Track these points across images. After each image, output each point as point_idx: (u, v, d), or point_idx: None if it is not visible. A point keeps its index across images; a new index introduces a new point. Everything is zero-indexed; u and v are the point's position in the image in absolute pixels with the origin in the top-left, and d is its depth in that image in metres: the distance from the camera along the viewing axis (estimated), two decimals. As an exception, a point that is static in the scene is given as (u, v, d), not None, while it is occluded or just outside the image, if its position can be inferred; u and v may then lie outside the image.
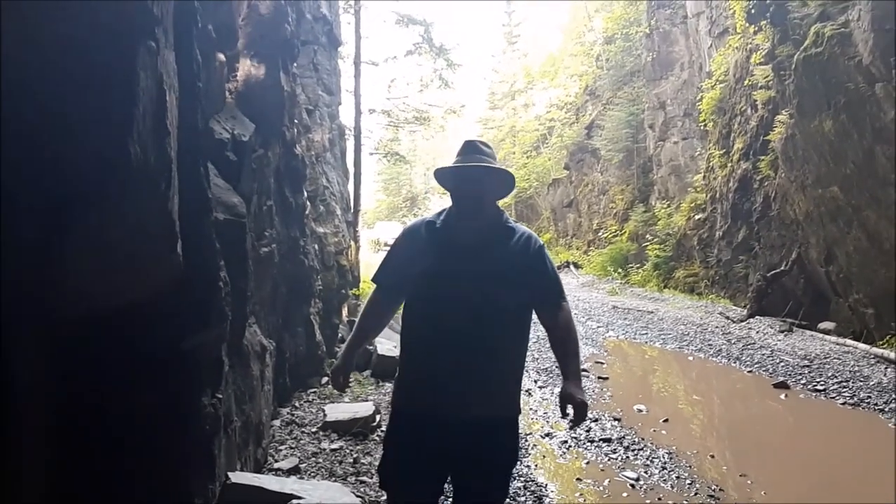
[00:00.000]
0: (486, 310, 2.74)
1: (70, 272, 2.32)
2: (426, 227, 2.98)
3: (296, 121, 7.29)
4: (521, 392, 3.10)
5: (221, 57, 4.70)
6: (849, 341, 11.15)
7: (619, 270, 23.86)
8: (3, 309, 2.09)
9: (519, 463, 5.70)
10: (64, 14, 2.13)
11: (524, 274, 2.84)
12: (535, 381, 8.86)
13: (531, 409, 7.51)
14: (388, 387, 7.47)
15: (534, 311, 2.98)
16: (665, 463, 5.88)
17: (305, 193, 7.86)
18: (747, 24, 15.92)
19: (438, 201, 43.56)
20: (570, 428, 3.06)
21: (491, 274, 2.78)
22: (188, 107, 3.11)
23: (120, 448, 2.83)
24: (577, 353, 2.95)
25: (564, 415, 2.79)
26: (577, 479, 5.56)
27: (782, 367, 9.83)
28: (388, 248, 3.17)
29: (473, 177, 2.87)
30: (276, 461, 5.30)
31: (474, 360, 2.74)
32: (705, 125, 19.67)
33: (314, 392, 7.35)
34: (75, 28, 2.17)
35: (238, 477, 3.99)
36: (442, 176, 3.08)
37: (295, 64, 7.01)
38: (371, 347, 8.39)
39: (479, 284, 2.75)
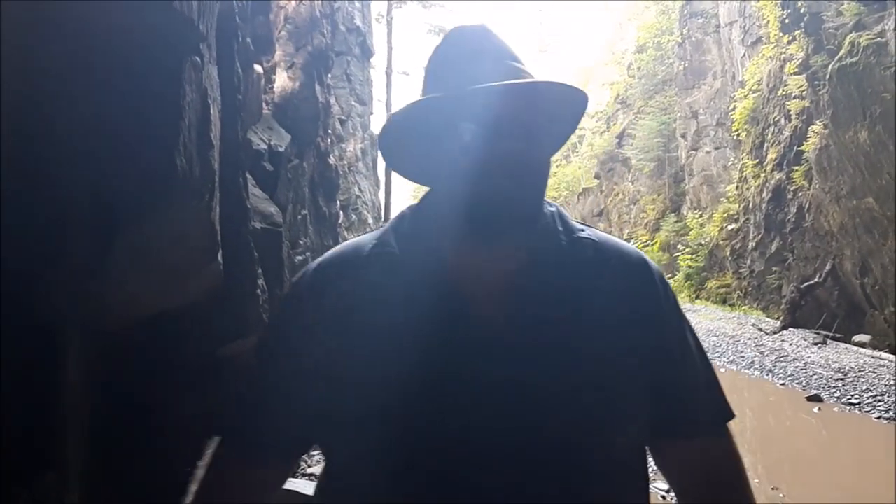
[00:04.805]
0: (566, 471, 0.91)
1: (117, 279, 2.40)
2: (375, 270, 0.98)
3: (329, 131, 7.40)
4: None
5: (259, 69, 4.81)
6: (884, 354, 10.96)
7: (650, 280, 23.60)
8: (57, 314, 2.18)
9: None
10: (113, 34, 2.21)
11: (646, 364, 0.99)
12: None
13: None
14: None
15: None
16: (696, 475, 5.86)
17: (338, 202, 7.98)
18: (781, 34, 15.78)
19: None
20: None
21: (579, 378, 0.93)
22: (228, 119, 3.19)
23: (159, 450, 2.91)
24: None
25: None
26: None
27: (816, 379, 9.70)
28: (260, 342, 1.02)
29: (518, 115, 0.99)
30: (309, 466, 5.36)
31: None
32: (738, 135, 19.51)
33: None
34: (124, 47, 2.26)
35: (273, 481, 4.05)
36: (403, 133, 1.03)
37: (329, 75, 7.12)
38: None
39: (552, 413, 0.91)
